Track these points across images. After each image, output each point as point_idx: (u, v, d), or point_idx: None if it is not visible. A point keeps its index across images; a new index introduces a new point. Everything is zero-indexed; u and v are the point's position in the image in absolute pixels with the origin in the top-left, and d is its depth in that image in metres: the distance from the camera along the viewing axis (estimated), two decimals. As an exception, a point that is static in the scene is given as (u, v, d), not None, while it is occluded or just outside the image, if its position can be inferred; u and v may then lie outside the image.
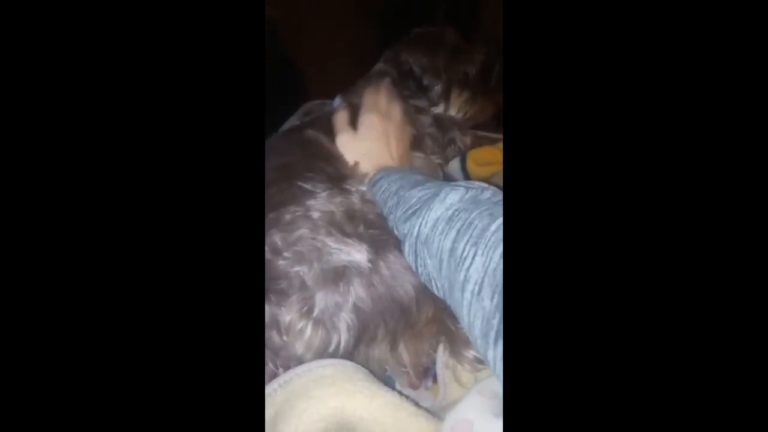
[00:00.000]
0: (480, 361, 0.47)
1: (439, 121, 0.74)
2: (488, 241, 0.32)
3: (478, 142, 0.80)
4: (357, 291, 0.44)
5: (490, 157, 0.78)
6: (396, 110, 0.64)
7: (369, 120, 0.61)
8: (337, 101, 0.69)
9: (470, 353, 0.47)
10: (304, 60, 1.80)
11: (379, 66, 0.77)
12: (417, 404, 0.39)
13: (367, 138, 0.59)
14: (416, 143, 0.67)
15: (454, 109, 0.76)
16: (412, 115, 0.68)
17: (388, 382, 0.47)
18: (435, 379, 0.50)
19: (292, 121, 0.87)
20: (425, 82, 0.74)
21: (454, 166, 0.78)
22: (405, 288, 0.46)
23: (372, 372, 0.42)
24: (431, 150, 0.71)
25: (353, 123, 0.61)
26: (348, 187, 0.51)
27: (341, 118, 0.62)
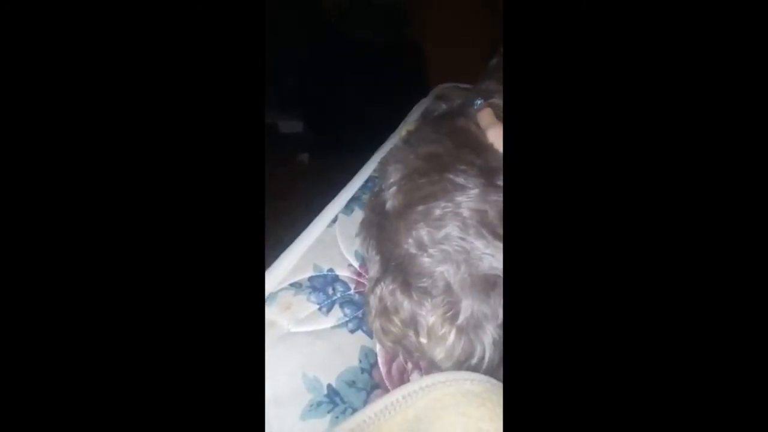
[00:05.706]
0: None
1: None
2: None
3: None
4: None
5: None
6: None
7: None
8: (479, 101, 0.64)
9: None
10: (428, 42, 1.80)
11: None
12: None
13: None
14: None
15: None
16: None
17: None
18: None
19: (428, 104, 0.82)
20: None
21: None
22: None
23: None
24: None
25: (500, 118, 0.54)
26: (501, 183, 0.44)
27: (487, 114, 0.55)
